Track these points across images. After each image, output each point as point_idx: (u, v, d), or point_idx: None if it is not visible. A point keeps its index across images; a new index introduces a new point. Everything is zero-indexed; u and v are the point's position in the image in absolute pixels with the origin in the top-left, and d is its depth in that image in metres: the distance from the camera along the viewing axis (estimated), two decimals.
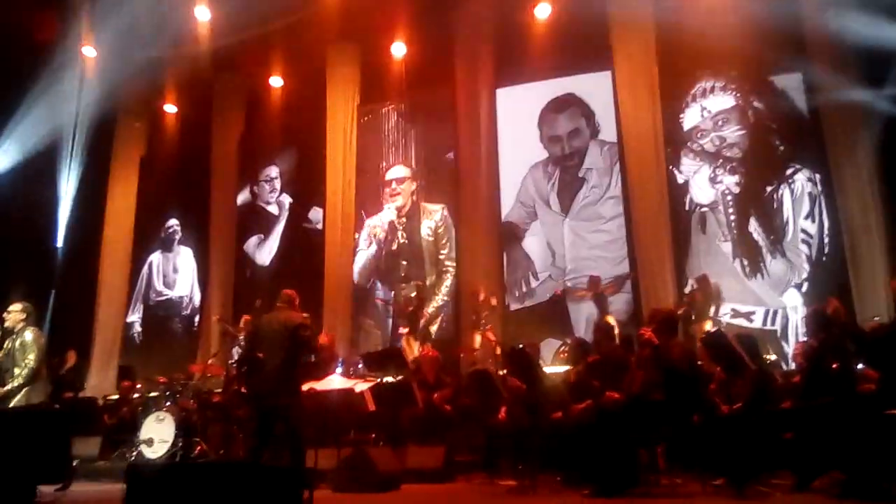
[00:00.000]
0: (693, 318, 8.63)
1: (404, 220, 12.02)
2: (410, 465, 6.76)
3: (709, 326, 8.23)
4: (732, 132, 9.94)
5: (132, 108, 14.51)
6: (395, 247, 11.96)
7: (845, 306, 7.78)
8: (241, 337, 9.76)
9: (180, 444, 8.39)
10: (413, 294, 10.55)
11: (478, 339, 9.44)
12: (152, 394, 9.75)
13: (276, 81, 13.37)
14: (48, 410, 7.41)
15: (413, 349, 9.36)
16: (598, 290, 9.45)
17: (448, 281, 11.36)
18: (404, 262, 11.80)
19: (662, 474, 5.62)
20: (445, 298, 11.29)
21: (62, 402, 9.83)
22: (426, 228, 11.80)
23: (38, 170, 13.73)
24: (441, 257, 11.58)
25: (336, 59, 12.79)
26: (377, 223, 12.21)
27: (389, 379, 7.56)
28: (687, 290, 9.40)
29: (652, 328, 5.54)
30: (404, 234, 11.93)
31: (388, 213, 12.17)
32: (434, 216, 11.79)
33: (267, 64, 13.17)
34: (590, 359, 6.44)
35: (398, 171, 12.29)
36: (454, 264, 11.35)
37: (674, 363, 5.22)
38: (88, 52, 12.89)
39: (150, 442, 8.48)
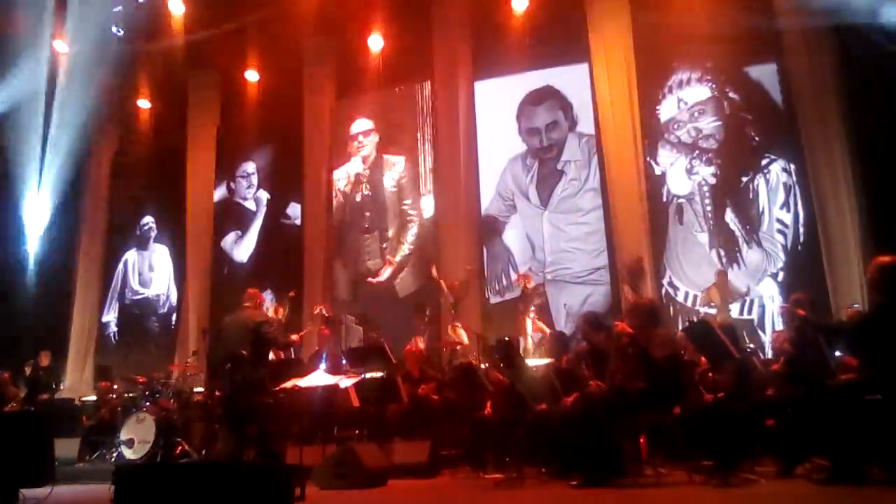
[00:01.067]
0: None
1: (367, 171, 12.34)
2: (396, 460, 6.75)
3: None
4: (708, 123, 10.04)
5: (105, 104, 14.27)
6: (358, 199, 12.32)
7: (819, 295, 7.91)
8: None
9: (161, 444, 8.32)
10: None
11: (462, 333, 9.34)
12: (131, 394, 9.67)
13: (251, 76, 13.23)
14: (28, 413, 7.31)
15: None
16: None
17: (413, 230, 11.70)
18: (367, 214, 12.19)
19: (646, 464, 5.69)
20: (411, 247, 11.70)
21: (39, 404, 9.73)
22: (390, 180, 12.12)
23: (9, 165, 13.54)
24: (404, 208, 11.89)
25: (311, 53, 12.70)
26: (341, 176, 12.52)
27: (373, 374, 7.56)
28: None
29: (629, 320, 5.61)
30: (368, 187, 12.29)
31: (353, 166, 12.46)
32: (397, 167, 12.08)
33: (242, 59, 13.02)
34: (578, 347, 6.49)
35: (362, 125, 12.52)
36: (416, 213, 11.71)
37: (652, 353, 5.25)
38: (59, 46, 12.66)
39: (130, 443, 8.41)
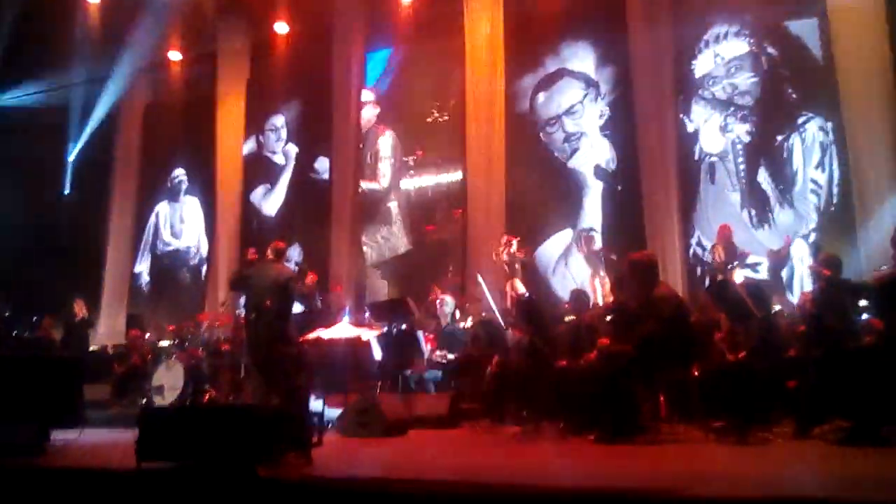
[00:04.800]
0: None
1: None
2: (417, 412, 6.85)
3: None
4: (745, 79, 9.75)
5: (136, 56, 14.33)
6: None
7: (851, 258, 7.72)
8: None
9: (190, 391, 8.53)
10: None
11: (519, 285, 9.03)
12: (162, 342, 9.88)
13: (281, 28, 13.14)
14: (60, 358, 7.54)
15: (519, 288, 9.21)
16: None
17: None
18: None
19: (664, 421, 5.69)
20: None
21: (72, 350, 10.03)
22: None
23: (46, 120, 13.75)
24: None
25: (343, 3, 12.54)
26: None
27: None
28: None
29: (626, 280, 5.50)
30: None
31: None
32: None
33: (272, 10, 12.93)
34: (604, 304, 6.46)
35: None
36: None
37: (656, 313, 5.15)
38: None
39: (160, 389, 8.63)
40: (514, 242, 9.25)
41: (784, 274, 8.81)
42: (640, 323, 5.11)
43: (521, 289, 8.86)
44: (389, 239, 12.02)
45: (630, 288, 5.46)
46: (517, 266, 9.23)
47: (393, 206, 12.14)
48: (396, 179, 12.19)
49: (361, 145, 12.38)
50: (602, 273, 9.23)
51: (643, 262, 5.36)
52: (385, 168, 12.33)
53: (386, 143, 12.43)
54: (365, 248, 12.03)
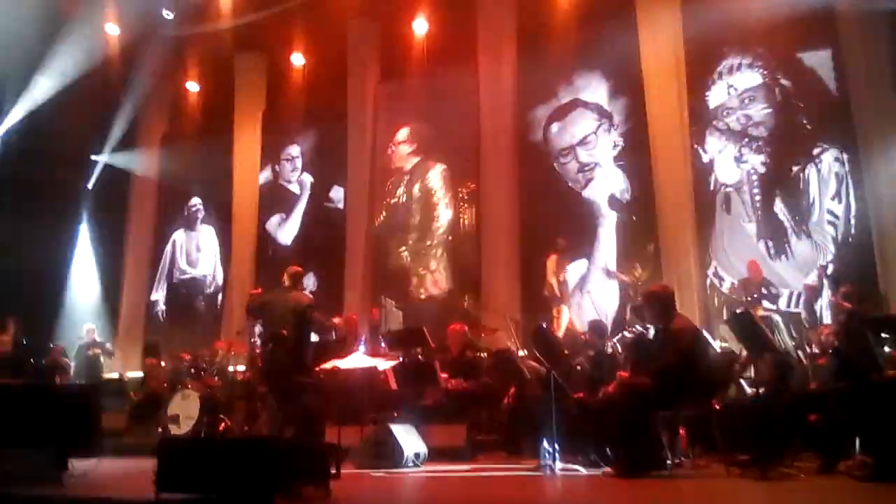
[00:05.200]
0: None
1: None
2: (432, 444, 6.80)
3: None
4: (759, 110, 9.78)
5: (154, 86, 14.58)
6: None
7: (869, 290, 7.67)
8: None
9: (205, 421, 8.51)
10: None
11: (565, 314, 8.93)
12: (177, 371, 9.89)
13: (297, 59, 13.35)
14: (78, 385, 7.56)
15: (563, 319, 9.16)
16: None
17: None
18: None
19: (685, 456, 5.64)
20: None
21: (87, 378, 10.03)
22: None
23: (63, 150, 13.92)
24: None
25: (357, 36, 12.76)
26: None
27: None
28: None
29: (645, 311, 5.48)
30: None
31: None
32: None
33: (288, 42, 13.16)
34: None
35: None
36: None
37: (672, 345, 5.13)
38: (111, 29, 12.95)
39: (175, 418, 8.62)
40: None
41: (803, 307, 8.78)
42: (658, 355, 5.08)
43: (566, 317, 8.80)
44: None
45: (647, 320, 5.44)
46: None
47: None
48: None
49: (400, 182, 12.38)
50: None
51: (659, 294, 5.35)
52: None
53: (436, 176, 12.32)
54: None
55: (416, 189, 12.23)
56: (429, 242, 11.88)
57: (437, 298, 11.47)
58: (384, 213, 12.40)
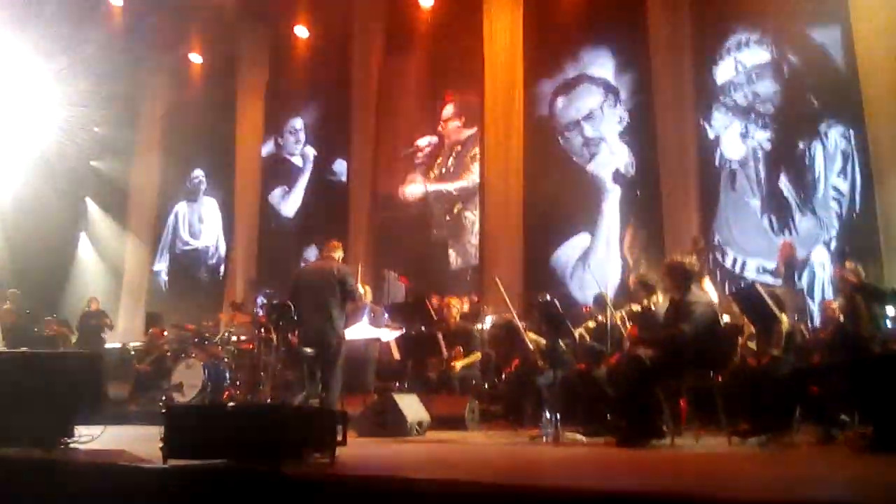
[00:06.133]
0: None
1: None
2: (435, 413, 6.86)
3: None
4: (766, 87, 9.72)
5: (157, 57, 14.51)
6: None
7: (873, 265, 7.67)
8: None
9: (209, 390, 8.57)
10: None
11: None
12: (181, 341, 9.95)
13: (301, 31, 13.25)
14: (83, 352, 7.60)
15: None
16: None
17: None
18: None
19: (685, 427, 5.68)
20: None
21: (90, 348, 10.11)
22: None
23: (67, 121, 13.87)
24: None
25: (362, 7, 12.63)
26: None
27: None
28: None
29: (665, 281, 5.52)
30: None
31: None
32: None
33: (292, 12, 13.05)
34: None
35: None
36: None
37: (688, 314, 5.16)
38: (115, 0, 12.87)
39: (179, 387, 8.68)
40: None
41: (805, 281, 8.78)
42: (672, 324, 5.11)
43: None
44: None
45: (666, 289, 5.49)
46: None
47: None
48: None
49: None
50: None
51: (684, 266, 5.38)
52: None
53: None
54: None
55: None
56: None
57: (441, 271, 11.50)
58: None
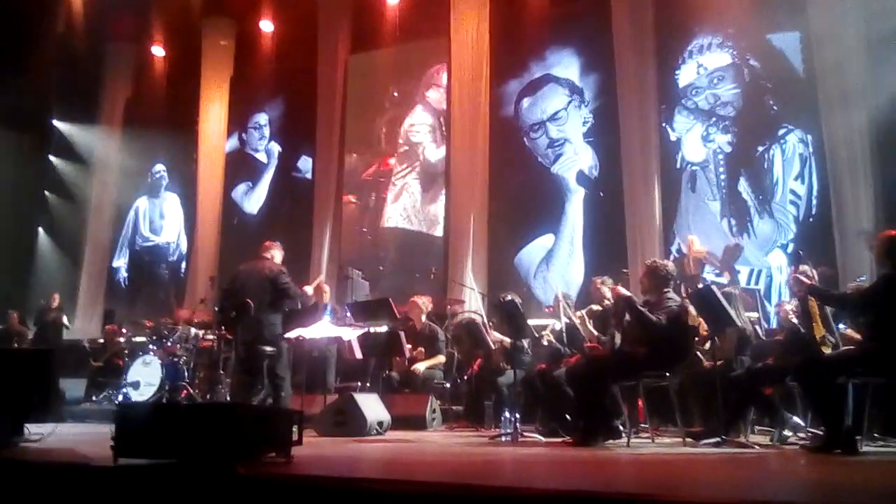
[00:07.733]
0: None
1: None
2: (396, 413, 6.83)
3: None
4: (727, 90, 9.87)
5: (119, 50, 14.26)
6: None
7: (829, 267, 7.84)
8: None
9: (167, 388, 8.44)
10: None
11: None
12: (139, 338, 9.78)
13: (266, 26, 13.11)
14: (36, 350, 7.43)
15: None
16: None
17: None
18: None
19: (643, 427, 5.75)
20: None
21: (47, 345, 9.90)
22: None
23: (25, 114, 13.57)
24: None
25: (327, 3, 12.54)
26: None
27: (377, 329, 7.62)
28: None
29: (645, 281, 5.61)
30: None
31: None
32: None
33: (257, 7, 12.91)
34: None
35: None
36: None
37: (658, 314, 5.24)
38: None
39: (136, 384, 8.54)
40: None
41: (762, 284, 8.95)
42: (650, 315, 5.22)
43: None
44: None
45: (643, 290, 5.63)
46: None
47: None
48: None
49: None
50: None
51: (664, 268, 5.52)
52: None
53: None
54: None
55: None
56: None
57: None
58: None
